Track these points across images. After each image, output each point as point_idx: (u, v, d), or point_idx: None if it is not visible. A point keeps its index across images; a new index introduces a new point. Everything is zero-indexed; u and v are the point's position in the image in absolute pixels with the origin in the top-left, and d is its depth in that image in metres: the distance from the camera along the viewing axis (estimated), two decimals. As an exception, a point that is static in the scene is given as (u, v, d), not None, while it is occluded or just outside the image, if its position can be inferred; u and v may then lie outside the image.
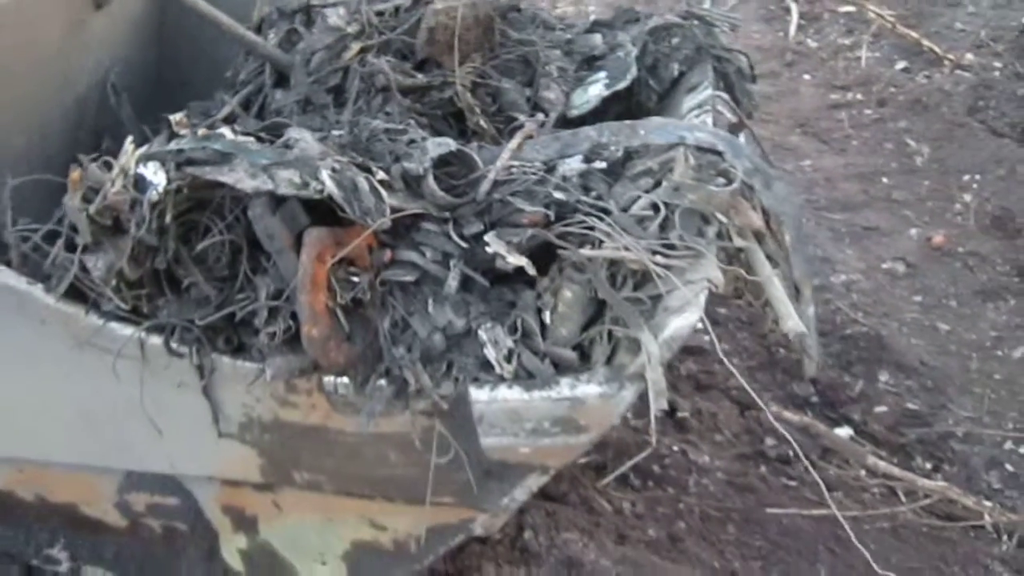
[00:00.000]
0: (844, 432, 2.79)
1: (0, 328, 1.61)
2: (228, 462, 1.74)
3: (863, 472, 2.63)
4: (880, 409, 2.87)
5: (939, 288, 3.33)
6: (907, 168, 3.89)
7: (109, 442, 1.76)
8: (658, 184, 1.54)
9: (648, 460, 2.61)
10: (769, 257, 1.53)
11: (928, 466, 2.70)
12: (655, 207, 1.50)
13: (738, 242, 1.48)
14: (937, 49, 4.51)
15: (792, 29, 4.91)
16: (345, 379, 1.52)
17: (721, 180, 1.51)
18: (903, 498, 2.53)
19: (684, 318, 1.38)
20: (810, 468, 2.39)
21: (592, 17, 2.49)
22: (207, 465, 1.77)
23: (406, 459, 1.64)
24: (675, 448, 2.69)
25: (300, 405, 1.60)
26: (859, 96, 4.34)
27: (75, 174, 1.40)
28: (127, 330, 1.54)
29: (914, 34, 4.66)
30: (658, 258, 1.43)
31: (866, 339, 3.07)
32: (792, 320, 1.42)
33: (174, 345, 1.52)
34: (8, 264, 1.59)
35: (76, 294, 1.55)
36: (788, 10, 5.07)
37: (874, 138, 4.08)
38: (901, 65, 4.57)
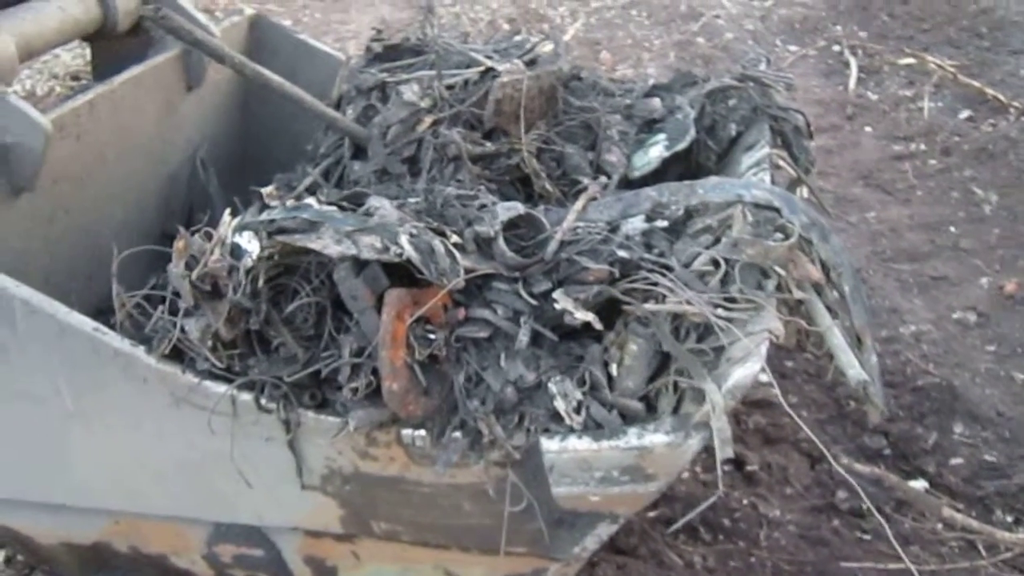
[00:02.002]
0: (919, 485, 2.74)
1: (105, 387, 1.74)
2: (311, 513, 1.82)
3: (940, 525, 2.58)
4: (955, 461, 2.82)
5: (1013, 337, 3.27)
6: (975, 217, 3.85)
7: (201, 494, 1.87)
8: (718, 241, 1.61)
9: (718, 513, 2.61)
10: (828, 308, 1.57)
11: (1008, 519, 2.63)
12: (715, 262, 1.57)
13: (797, 294, 1.54)
14: (1002, 97, 4.49)
15: (852, 82, 4.94)
16: (422, 431, 1.60)
17: (779, 235, 1.57)
18: (983, 552, 2.47)
19: (746, 368, 1.43)
20: (884, 522, 2.36)
21: (651, 81, 2.59)
22: (291, 516, 1.86)
23: (480, 509, 1.71)
24: (745, 501, 2.68)
25: (379, 457, 1.68)
26: (922, 146, 4.33)
27: (180, 244, 1.53)
28: (220, 387, 1.65)
29: (976, 83, 4.64)
30: (719, 311, 1.49)
31: (938, 390, 3.03)
32: (854, 369, 1.46)
33: (263, 401, 1.63)
34: (112, 327, 1.73)
35: (174, 354, 1.67)
36: (847, 64, 5.11)
37: (939, 188, 4.06)
38: (965, 114, 4.55)
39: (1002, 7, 5.45)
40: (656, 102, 2.33)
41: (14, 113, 1.89)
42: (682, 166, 2.22)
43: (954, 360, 3.20)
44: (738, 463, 2.83)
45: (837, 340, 1.50)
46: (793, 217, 1.59)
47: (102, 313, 1.82)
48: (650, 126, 2.29)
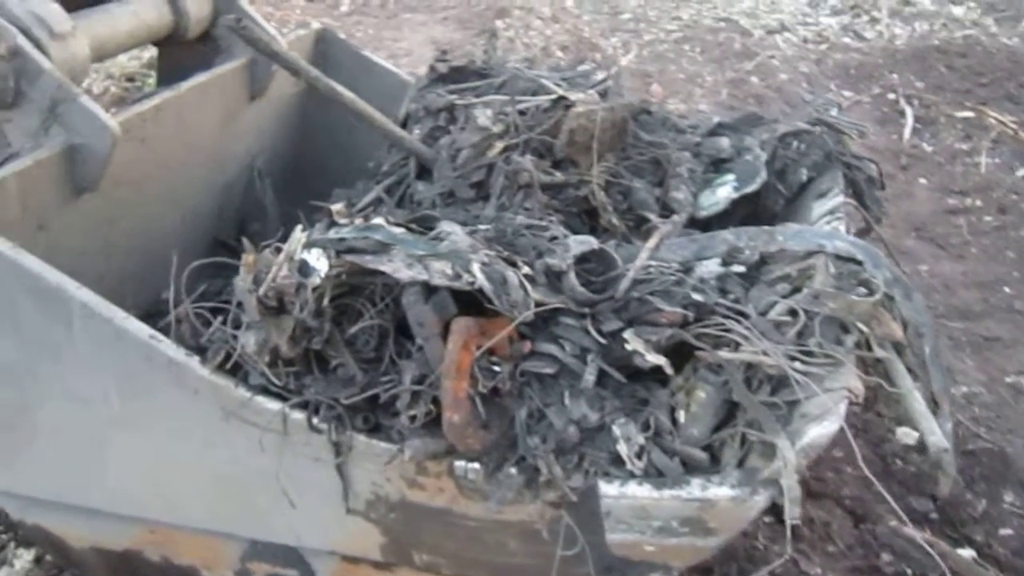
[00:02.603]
0: (967, 553, 2.65)
1: (155, 395, 1.72)
2: (352, 538, 1.78)
3: (988, 597, 2.49)
4: (1005, 532, 2.72)
5: (1069, 405, 3.18)
6: (1031, 278, 3.77)
7: (241, 510, 1.83)
8: (796, 290, 1.56)
9: (758, 568, 2.53)
10: (908, 369, 1.52)
11: (1060, 596, 2.54)
12: (793, 313, 1.52)
13: (878, 352, 1.48)
14: (1063, 156, 4.41)
15: (907, 132, 4.87)
16: (476, 464, 1.55)
17: (862, 289, 1.52)
18: (1032, 629, 2.38)
19: (824, 426, 1.38)
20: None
21: (715, 119, 2.55)
22: (331, 539, 1.82)
23: (526, 548, 1.66)
24: (785, 557, 2.60)
25: (428, 487, 1.64)
26: (978, 202, 4.25)
27: (250, 258, 1.51)
28: (273, 404, 1.62)
29: (1038, 141, 4.57)
30: (796, 364, 1.44)
31: (989, 456, 2.94)
32: (935, 436, 1.40)
33: (316, 421, 1.59)
34: (164, 332, 1.71)
35: (228, 368, 1.64)
36: (902, 113, 5.04)
37: (994, 246, 3.97)
38: (1023, 172, 4.46)
39: (1065, 66, 5.38)
40: (725, 141, 2.29)
41: (85, 115, 1.89)
42: (748, 208, 2.18)
43: (1006, 426, 3.10)
44: (779, 515, 2.75)
45: (918, 405, 1.44)
46: (877, 272, 1.54)
47: (150, 316, 1.80)
48: (717, 165, 2.25)
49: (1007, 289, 3.74)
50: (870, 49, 5.93)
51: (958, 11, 6.45)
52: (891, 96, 5.30)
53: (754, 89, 5.36)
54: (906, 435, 3.00)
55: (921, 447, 2.97)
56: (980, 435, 3.02)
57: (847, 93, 5.31)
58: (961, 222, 4.16)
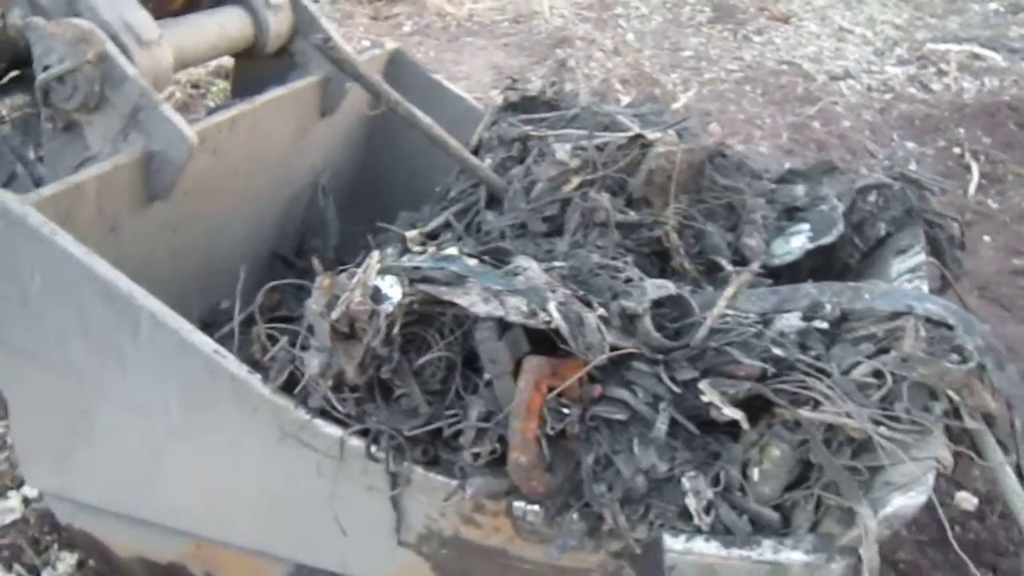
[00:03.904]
0: (1025, 631, 2.55)
1: (214, 410, 1.70)
2: (400, 570, 1.74)
3: None
4: (1067, 611, 2.61)
5: None
6: (1098, 345, 3.64)
7: (289, 533, 1.80)
8: (881, 351, 1.50)
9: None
10: (999, 442, 1.45)
11: None
12: (878, 375, 1.46)
13: (969, 423, 1.41)
14: None
15: (972, 188, 4.76)
16: (536, 507, 1.51)
17: (954, 356, 1.46)
18: None
19: (911, 497, 1.32)
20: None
21: (787, 165, 2.50)
22: (379, 570, 1.78)
23: (581, 597, 1.61)
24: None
25: (484, 525, 1.60)
26: (1045, 264, 4.14)
27: (326, 282, 1.49)
28: (332, 429, 1.59)
29: (1107, 205, 4.44)
30: (882, 429, 1.38)
31: (1054, 529, 2.82)
32: (1028, 516, 1.33)
33: (374, 450, 1.56)
34: (225, 345, 1.69)
35: (289, 389, 1.62)
36: (968, 168, 4.94)
37: (1061, 309, 3.86)
38: (1091, 235, 4.34)
39: None
40: (800, 189, 2.24)
41: (164, 123, 1.90)
42: (822, 260, 2.12)
43: (1071, 500, 2.98)
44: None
45: (1010, 480, 1.37)
46: (969, 339, 1.48)
47: (208, 327, 1.79)
48: (791, 214, 2.20)
49: (1073, 355, 3.62)
50: (936, 101, 5.83)
51: (1030, 68, 6.34)
52: (956, 150, 5.19)
53: (815, 134, 5.28)
54: (965, 500, 2.90)
55: (982, 514, 2.88)
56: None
57: (910, 144, 5.21)
58: (1026, 283, 4.04)
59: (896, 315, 1.54)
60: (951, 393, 1.42)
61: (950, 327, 1.51)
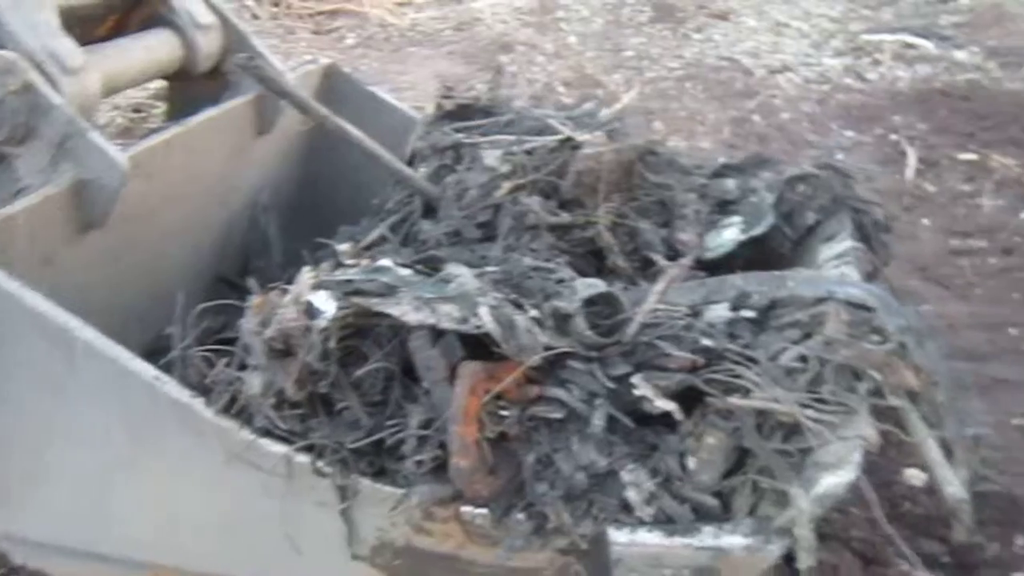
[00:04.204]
0: (978, 599, 2.61)
1: (159, 437, 1.70)
2: (356, 583, 1.75)
3: (1001, 645, 2.44)
4: (1017, 575, 2.68)
5: (1078, 451, 3.14)
6: (1037, 320, 3.75)
7: (244, 554, 1.80)
8: (807, 336, 1.54)
9: (765, 613, 2.49)
10: (923, 417, 1.50)
11: (1074, 645, 2.49)
12: (804, 359, 1.50)
13: (892, 401, 1.46)
14: (1067, 202, 4.41)
15: (910, 173, 4.87)
16: (484, 511, 1.53)
17: (875, 337, 1.51)
18: None
19: (839, 476, 1.36)
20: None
21: (720, 159, 2.55)
22: (335, 586, 1.79)
23: (535, 596, 1.63)
24: (796, 603, 2.56)
25: (435, 532, 1.61)
26: (982, 244, 4.24)
27: (258, 300, 1.50)
28: (277, 447, 1.60)
29: (1040, 184, 4.57)
30: (809, 412, 1.42)
31: (999, 498, 2.89)
32: (952, 487, 1.38)
33: (320, 465, 1.57)
34: (167, 372, 1.69)
35: (232, 410, 1.62)
36: (905, 154, 5.06)
37: (999, 287, 3.95)
38: (1027, 215, 4.47)
39: (1069, 111, 5.40)
40: (731, 183, 2.29)
41: (95, 151, 1.89)
42: (754, 251, 2.17)
43: (1015, 468, 3.06)
44: (787, 558, 2.71)
45: (934, 454, 1.43)
46: (890, 319, 1.53)
47: (152, 354, 1.78)
48: (724, 207, 2.24)
49: (1013, 331, 3.71)
50: (872, 91, 5.96)
51: (961, 55, 6.50)
52: (893, 137, 5.31)
53: (756, 128, 5.38)
54: (914, 477, 2.97)
55: (931, 489, 2.95)
56: (989, 478, 2.98)
57: (849, 133, 5.33)
58: (965, 263, 4.14)
59: (819, 301, 1.59)
60: (874, 373, 1.46)
61: (871, 309, 1.56)
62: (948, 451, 1.53)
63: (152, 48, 2.29)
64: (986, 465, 3.04)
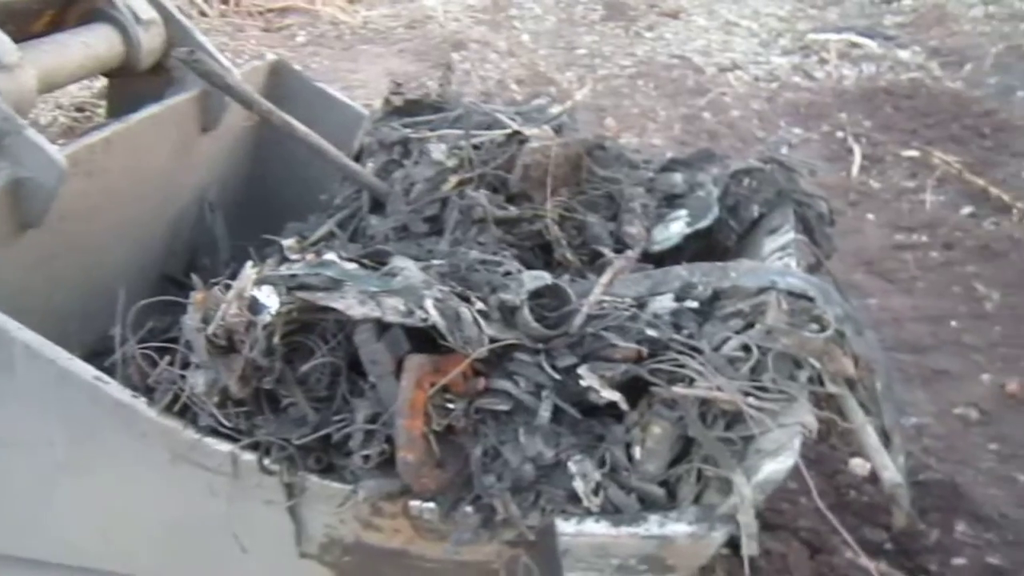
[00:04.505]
0: (922, 584, 2.68)
1: (102, 440, 1.66)
2: (305, 582, 1.74)
3: (943, 629, 2.51)
4: (958, 561, 2.75)
5: (1016, 437, 3.23)
6: (976, 313, 3.85)
7: (190, 556, 1.77)
8: (749, 326, 1.57)
9: (717, 602, 2.52)
10: (860, 404, 1.53)
11: (1014, 627, 2.56)
12: (746, 348, 1.52)
13: (831, 388, 1.49)
14: (1005, 197, 4.53)
15: (855, 169, 4.98)
16: (432, 504, 1.53)
17: (814, 326, 1.53)
18: (987, 660, 2.40)
19: (779, 462, 1.38)
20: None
21: (668, 154, 2.58)
22: (283, 584, 1.77)
23: (485, 589, 1.63)
24: (745, 590, 2.60)
25: (383, 528, 1.60)
26: (925, 238, 4.35)
27: (200, 296, 1.47)
28: (222, 446, 1.58)
29: (981, 181, 4.69)
30: (751, 399, 1.44)
31: (940, 486, 2.98)
32: (889, 471, 1.41)
33: (267, 463, 1.56)
34: (110, 373, 1.66)
35: (177, 410, 1.60)
36: (850, 151, 5.16)
37: (941, 281, 4.06)
38: (967, 210, 4.58)
39: (1005, 110, 5.55)
40: (678, 177, 2.31)
41: (31, 148, 1.85)
42: (701, 243, 2.19)
43: (956, 457, 3.15)
44: (736, 547, 2.75)
45: (871, 439, 1.45)
46: (828, 308, 1.56)
47: (96, 355, 1.75)
48: (671, 201, 2.27)
49: (954, 323, 3.82)
50: (819, 89, 6.08)
51: (904, 55, 6.66)
52: (839, 134, 5.43)
53: (707, 125, 5.45)
54: (859, 466, 3.03)
55: (874, 478, 3.02)
56: (931, 465, 3.06)
57: (797, 130, 5.43)
58: (908, 257, 4.25)
59: (761, 291, 1.61)
60: (813, 361, 1.49)
61: (811, 299, 1.59)
62: (886, 437, 1.56)
63: (91, 44, 2.24)
64: (928, 454, 3.13)
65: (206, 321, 1.45)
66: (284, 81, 2.84)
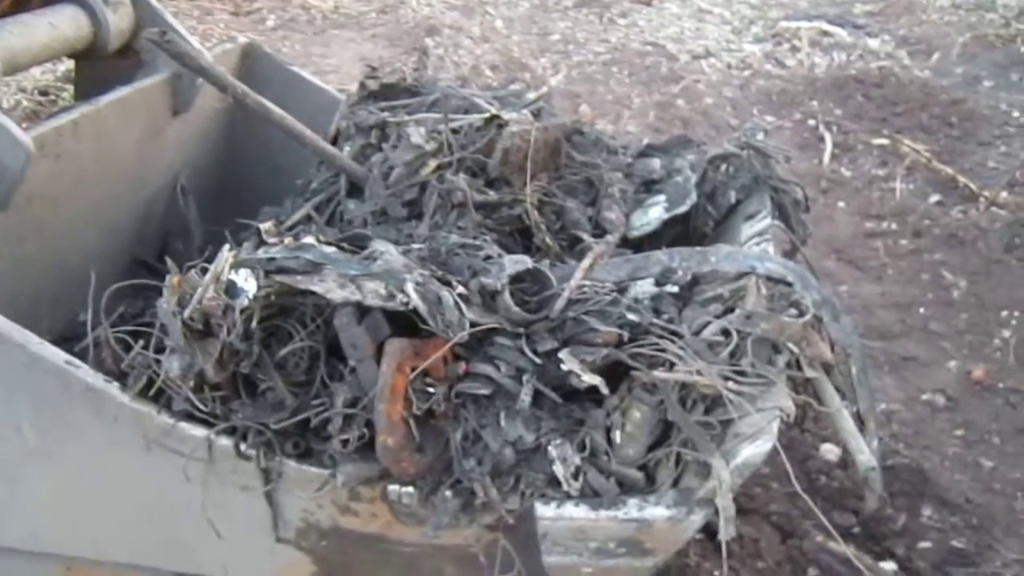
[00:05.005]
0: (888, 567, 2.72)
1: (73, 424, 1.63)
2: (282, 568, 1.72)
3: (909, 611, 2.55)
4: (924, 545, 2.80)
5: (981, 423, 3.29)
6: (944, 300, 3.90)
7: (165, 543, 1.76)
8: (729, 310, 1.58)
9: (691, 587, 2.55)
10: (837, 388, 1.55)
11: (977, 609, 2.62)
12: (725, 333, 1.53)
13: (808, 372, 1.50)
14: (972, 185, 4.60)
15: (826, 157, 5.02)
16: (410, 489, 1.52)
17: (792, 311, 1.54)
18: (953, 641, 2.44)
19: (757, 446, 1.39)
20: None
21: (645, 140, 2.58)
22: (261, 571, 1.76)
23: (463, 573, 1.63)
24: (716, 574, 2.63)
25: (361, 513, 1.60)
26: (894, 226, 4.40)
27: (175, 279, 1.45)
28: (198, 431, 1.56)
29: (949, 170, 4.75)
30: (730, 384, 1.45)
31: (908, 471, 3.03)
32: (863, 455, 1.43)
33: (243, 448, 1.54)
34: (81, 357, 1.63)
35: (150, 394, 1.58)
36: (822, 139, 5.21)
37: (910, 268, 4.11)
38: (935, 199, 4.64)
39: (972, 100, 5.62)
40: (656, 163, 2.32)
41: (-3, 130, 1.80)
42: (679, 229, 2.20)
43: (923, 442, 3.20)
44: (710, 532, 2.78)
45: (847, 424, 1.47)
46: (806, 293, 1.57)
47: (66, 340, 1.72)
48: (649, 187, 2.27)
49: (922, 310, 3.87)
50: (791, 76, 6.12)
51: (873, 43, 6.71)
52: (811, 122, 5.47)
53: (680, 112, 5.46)
54: (830, 451, 3.08)
55: (844, 463, 3.06)
56: (899, 451, 3.11)
57: (769, 118, 5.46)
58: (878, 245, 4.30)
59: (740, 276, 1.62)
60: (791, 345, 1.50)
61: (789, 284, 1.60)
62: (860, 422, 1.58)
63: (57, 25, 2.18)
64: (896, 439, 3.17)
65: (182, 305, 1.43)
66: (257, 64, 2.80)
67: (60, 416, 1.63)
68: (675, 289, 1.65)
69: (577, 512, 1.47)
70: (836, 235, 4.37)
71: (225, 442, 1.55)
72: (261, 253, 1.50)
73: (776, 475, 3.05)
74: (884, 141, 5.15)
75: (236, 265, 1.46)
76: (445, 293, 1.46)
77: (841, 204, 4.64)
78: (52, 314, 2.08)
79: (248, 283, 1.44)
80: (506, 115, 2.02)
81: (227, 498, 1.61)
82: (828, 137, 5.22)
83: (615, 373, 1.58)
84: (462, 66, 5.79)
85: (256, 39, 3.10)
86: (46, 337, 1.63)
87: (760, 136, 2.37)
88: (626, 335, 1.54)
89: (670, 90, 5.77)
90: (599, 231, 2.06)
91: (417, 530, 1.57)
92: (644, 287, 1.65)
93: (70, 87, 4.90)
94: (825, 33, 6.86)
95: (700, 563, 2.66)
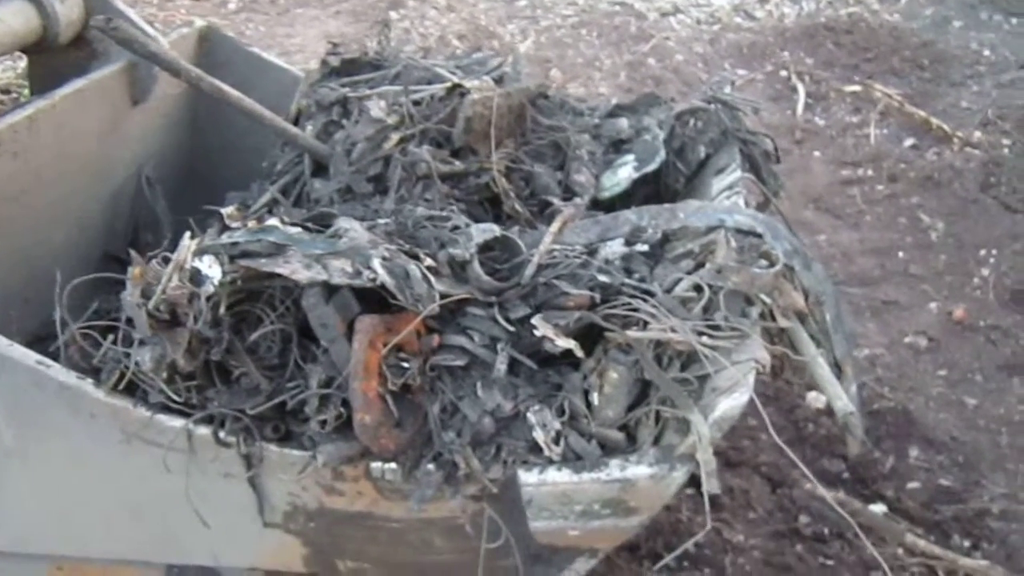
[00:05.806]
0: (878, 509, 2.75)
1: (49, 424, 1.62)
2: (272, 552, 1.72)
3: (900, 550, 2.58)
4: (913, 485, 2.83)
5: (963, 362, 3.32)
6: (922, 243, 3.92)
7: (153, 536, 1.75)
8: (700, 266, 1.57)
9: (682, 539, 2.57)
10: (812, 337, 1.55)
11: (966, 544, 2.65)
12: (698, 288, 1.53)
13: (782, 322, 1.50)
14: (946, 127, 4.59)
15: (799, 108, 5.01)
16: (393, 465, 1.52)
17: (763, 262, 1.54)
18: (944, 577, 2.48)
19: (734, 399, 1.39)
20: (849, 546, 2.35)
21: (613, 101, 2.56)
22: (250, 556, 1.76)
23: (452, 545, 1.63)
24: (708, 527, 2.65)
25: (346, 492, 1.60)
26: (870, 172, 4.40)
27: (137, 270, 1.43)
28: (175, 422, 1.55)
29: (922, 113, 4.74)
30: (704, 339, 1.45)
31: (894, 414, 3.05)
32: (841, 401, 1.43)
33: (222, 435, 1.53)
34: (54, 357, 1.61)
35: (125, 388, 1.56)
36: (795, 89, 5.19)
37: (887, 214, 4.12)
38: (909, 142, 4.64)
39: (942, 41, 5.61)
40: (623, 123, 2.30)
41: (-51, 129, 1.77)
42: (650, 188, 2.19)
43: (908, 384, 3.23)
44: (700, 487, 2.80)
45: (823, 371, 1.47)
46: (776, 243, 1.56)
47: (40, 340, 1.71)
48: (617, 147, 2.26)
49: (901, 254, 3.89)
50: (761, 28, 6.08)
51: (841, -10, 6.68)
52: (783, 73, 5.44)
53: (651, 71, 5.43)
54: (815, 400, 3.10)
55: (830, 410, 3.08)
56: (884, 395, 3.13)
57: (741, 71, 5.43)
58: (855, 192, 4.30)
59: (710, 230, 1.61)
60: (764, 296, 1.50)
61: (759, 235, 1.59)
62: (838, 368, 1.59)
63: (5, 20, 2.13)
64: (881, 383, 3.20)
65: (146, 296, 1.41)
66: (215, 48, 2.75)
67: (37, 416, 1.62)
68: (645, 248, 1.64)
69: (560, 476, 1.47)
70: (812, 184, 4.37)
71: (203, 431, 1.54)
72: (224, 238, 1.48)
73: (764, 426, 3.07)
74: (856, 88, 5.13)
75: (199, 252, 1.44)
76: (412, 267, 1.44)
77: (816, 153, 4.64)
78: (23, 315, 2.05)
79: (212, 269, 1.42)
80: (468, 83, 1.99)
81: (211, 486, 1.61)
82: (801, 87, 5.20)
83: (590, 336, 1.57)
84: (428, 37, 5.72)
85: (218, 24, 3.05)
86: (18, 338, 1.61)
87: (727, 89, 2.35)
88: (598, 297, 1.54)
89: (640, 49, 5.72)
90: (569, 195, 2.05)
91: (403, 505, 1.57)
92: (614, 248, 1.64)
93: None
94: (793, -19, 6.81)
95: (692, 518, 2.68)
